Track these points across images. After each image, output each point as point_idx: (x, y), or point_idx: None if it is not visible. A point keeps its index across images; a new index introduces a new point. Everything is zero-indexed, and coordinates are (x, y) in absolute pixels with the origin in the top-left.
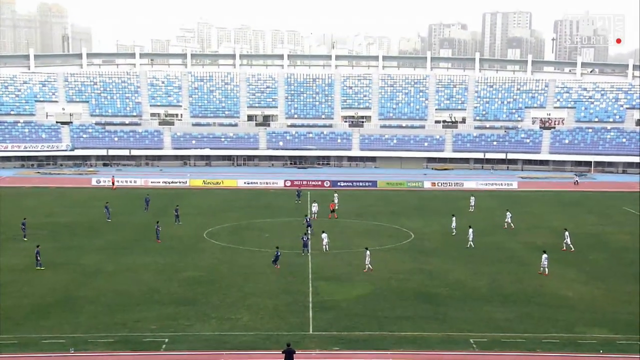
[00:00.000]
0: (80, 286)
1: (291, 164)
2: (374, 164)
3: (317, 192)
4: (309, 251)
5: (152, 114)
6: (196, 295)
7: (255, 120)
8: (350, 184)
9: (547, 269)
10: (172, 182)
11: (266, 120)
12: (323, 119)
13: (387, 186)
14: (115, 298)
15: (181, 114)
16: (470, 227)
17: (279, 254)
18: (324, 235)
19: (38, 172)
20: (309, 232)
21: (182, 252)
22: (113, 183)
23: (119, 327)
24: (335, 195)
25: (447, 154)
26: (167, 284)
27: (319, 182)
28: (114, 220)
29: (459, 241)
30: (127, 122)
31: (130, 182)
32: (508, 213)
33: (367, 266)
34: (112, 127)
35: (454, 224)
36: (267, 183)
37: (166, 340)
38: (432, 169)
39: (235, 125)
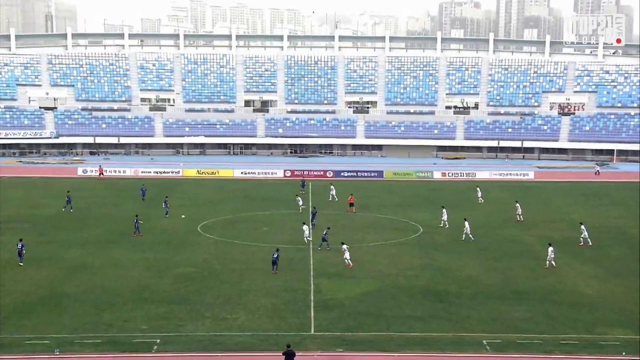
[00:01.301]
0: (65, 283)
1: (291, 152)
2: (379, 153)
3: (319, 183)
4: (329, 246)
5: (143, 99)
6: (189, 293)
7: (253, 106)
8: (354, 174)
9: (553, 262)
10: (164, 172)
11: (265, 106)
12: (325, 104)
13: (394, 176)
14: (102, 296)
15: (173, 99)
16: (465, 219)
17: (276, 256)
18: (305, 227)
19: (20, 161)
20: (312, 225)
21: (174, 247)
22: (101, 173)
23: (107, 327)
24: (332, 187)
25: (459, 142)
26: (157, 280)
27: (321, 172)
28: (100, 212)
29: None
30: (115, 108)
31: (119, 172)
32: (517, 205)
33: (346, 261)
34: (100, 112)
35: (445, 217)
36: (265, 173)
37: (157, 341)
38: (443, 158)
39: (232, 111)
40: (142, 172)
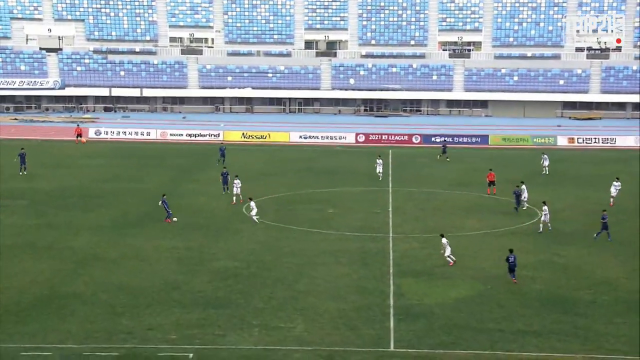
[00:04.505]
0: (71, 279)
1: (366, 110)
2: (484, 111)
3: (402, 151)
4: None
5: (173, 39)
6: (231, 294)
7: (316, 48)
8: (449, 139)
9: None
10: (200, 135)
11: (331, 48)
12: (412, 46)
13: (503, 143)
14: (118, 296)
15: (212, 39)
16: (544, 203)
17: (512, 260)
18: (252, 204)
19: (15, 119)
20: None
21: (212, 234)
22: (79, 135)
23: (125, 336)
24: (379, 161)
25: (593, 96)
26: (191, 277)
27: (405, 137)
28: (117, 187)
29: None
30: (137, 50)
31: (141, 133)
32: (616, 184)
33: (449, 259)
34: (117, 56)
35: (525, 195)
36: (331, 138)
37: (190, 355)
38: (570, 118)
39: (288, 54)
40: (170, 134)
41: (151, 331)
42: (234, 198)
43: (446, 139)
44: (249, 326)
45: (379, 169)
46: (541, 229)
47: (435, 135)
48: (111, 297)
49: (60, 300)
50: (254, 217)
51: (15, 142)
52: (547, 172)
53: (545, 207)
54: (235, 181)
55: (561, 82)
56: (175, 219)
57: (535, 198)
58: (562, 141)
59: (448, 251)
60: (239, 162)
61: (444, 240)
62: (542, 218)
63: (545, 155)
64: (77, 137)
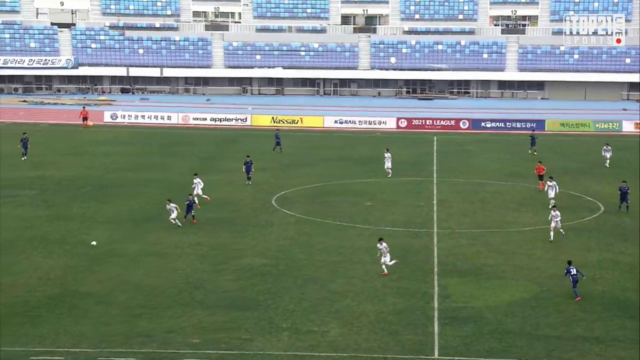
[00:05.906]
0: (85, 277)
1: (408, 92)
2: (540, 94)
3: (449, 138)
4: None
5: (196, 13)
6: (259, 294)
7: (354, 24)
8: (501, 124)
9: None
10: (225, 120)
11: (370, 24)
12: (460, 20)
13: (561, 128)
14: (136, 296)
15: (239, 14)
16: (553, 207)
17: (575, 273)
18: (172, 206)
19: (24, 101)
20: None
21: (237, 228)
22: (85, 118)
23: (144, 339)
24: (387, 154)
25: None
26: (215, 276)
27: (452, 122)
28: (136, 177)
29: None
30: (157, 26)
31: (161, 117)
32: None
33: (383, 267)
34: (135, 32)
35: (552, 192)
36: (370, 123)
37: None
38: (638, 100)
39: (323, 30)
40: (193, 119)
41: (172, 334)
42: (195, 199)
43: (534, 125)
44: (278, 330)
45: (388, 164)
46: (552, 237)
47: (485, 120)
48: (128, 297)
49: (73, 299)
50: (173, 220)
51: (25, 127)
52: (609, 165)
53: (555, 213)
54: (195, 180)
55: (627, 60)
56: (180, 224)
57: (597, 191)
58: (628, 127)
59: (386, 259)
60: (268, 149)
61: (382, 244)
62: (553, 222)
63: (609, 147)
64: (83, 120)
